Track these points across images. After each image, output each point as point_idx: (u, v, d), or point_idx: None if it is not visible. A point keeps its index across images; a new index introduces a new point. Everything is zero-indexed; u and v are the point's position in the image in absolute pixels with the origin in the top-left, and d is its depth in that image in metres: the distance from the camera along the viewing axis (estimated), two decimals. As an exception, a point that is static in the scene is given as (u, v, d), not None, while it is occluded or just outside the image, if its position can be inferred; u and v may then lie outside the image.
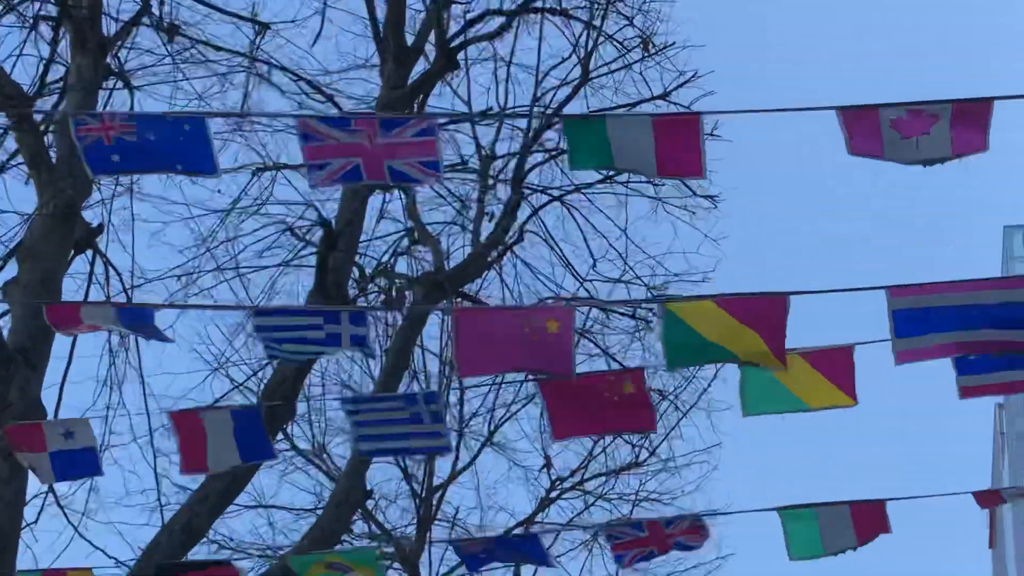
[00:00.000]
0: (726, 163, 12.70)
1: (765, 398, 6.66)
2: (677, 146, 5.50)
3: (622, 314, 13.37)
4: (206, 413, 7.12)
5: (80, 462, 7.33)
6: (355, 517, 14.34)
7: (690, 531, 7.90)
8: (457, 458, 15.16)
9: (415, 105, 11.97)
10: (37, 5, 11.47)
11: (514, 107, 12.39)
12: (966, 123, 5.35)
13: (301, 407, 14.22)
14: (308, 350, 6.68)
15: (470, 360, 6.48)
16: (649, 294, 13.22)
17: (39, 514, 11.08)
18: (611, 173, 12.83)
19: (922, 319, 5.88)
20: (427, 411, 6.90)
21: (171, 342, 7.29)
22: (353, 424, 6.98)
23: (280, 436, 13.98)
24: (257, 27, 12.25)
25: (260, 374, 12.24)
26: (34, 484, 11.65)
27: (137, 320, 6.62)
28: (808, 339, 6.52)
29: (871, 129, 5.35)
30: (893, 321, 5.90)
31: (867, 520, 7.47)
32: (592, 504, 15.51)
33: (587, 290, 13.14)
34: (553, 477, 15.41)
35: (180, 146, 5.60)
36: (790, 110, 5.49)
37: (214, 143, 5.70)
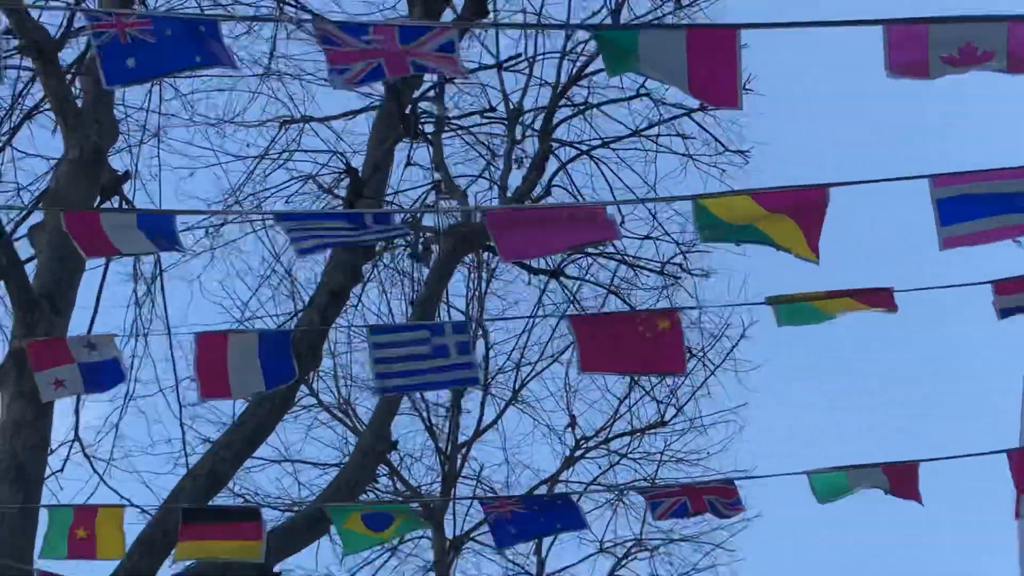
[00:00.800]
0: (759, 117, 12.58)
1: (801, 316, 6.59)
2: (711, 64, 5.35)
3: (650, 271, 13.26)
4: (233, 335, 7.03)
5: (106, 372, 7.28)
6: (379, 474, 14.36)
7: (722, 492, 7.78)
8: (482, 415, 15.13)
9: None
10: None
11: (544, 55, 12.21)
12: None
13: (326, 362, 14.27)
14: (337, 241, 6.59)
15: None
16: (678, 250, 13.10)
17: (65, 462, 11.10)
18: (641, 128, 12.74)
19: (967, 205, 5.76)
20: (454, 342, 6.78)
21: (183, 251, 7.16)
22: (376, 360, 6.85)
23: (304, 389, 14.01)
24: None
25: (286, 326, 12.18)
26: (59, 430, 11.67)
27: (155, 226, 6.50)
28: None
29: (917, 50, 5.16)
30: (937, 209, 5.79)
31: (899, 482, 7.36)
32: (617, 463, 15.45)
33: (615, 246, 13.02)
34: (578, 436, 15.37)
35: (197, 41, 5.50)
36: (831, 24, 5.25)
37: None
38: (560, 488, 15.04)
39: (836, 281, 6.62)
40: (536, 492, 14.61)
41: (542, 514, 8.05)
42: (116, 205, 11.03)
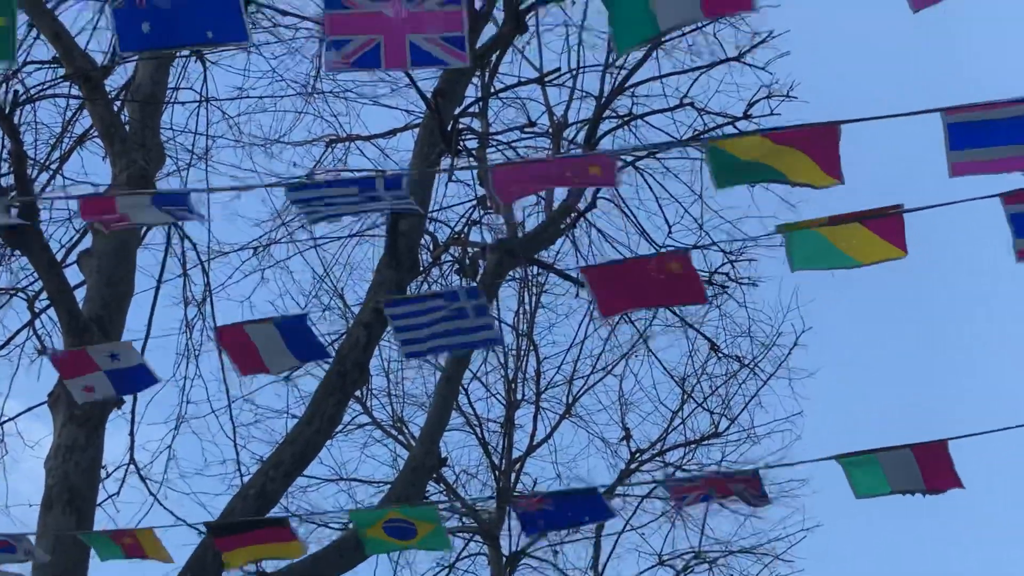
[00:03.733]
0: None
1: (813, 255, 6.48)
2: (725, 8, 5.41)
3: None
4: (251, 325, 7.11)
5: (134, 377, 7.44)
6: (434, 491, 14.38)
7: (749, 480, 7.70)
8: (535, 430, 15.11)
9: (485, 72, 11.91)
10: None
11: (584, 68, 12.22)
12: None
13: (379, 381, 14.34)
14: (347, 210, 6.63)
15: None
16: (726, 259, 13.05)
17: (121, 486, 11.24)
18: (687, 136, 12.69)
19: (978, 132, 5.67)
20: (471, 305, 6.81)
21: (205, 220, 7.27)
22: (398, 329, 6.88)
23: (358, 408, 14.07)
24: (327, -2, 12.21)
25: (335, 344, 12.24)
26: (114, 454, 11.80)
27: (172, 203, 6.60)
28: (861, 192, 6.34)
29: None
30: (948, 134, 5.71)
31: (934, 467, 7.22)
32: (672, 475, 15.36)
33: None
34: (632, 449, 15.30)
35: (212, 12, 5.54)
36: None
37: (246, 20, 5.63)
38: (616, 501, 14.97)
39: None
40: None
41: (568, 507, 8.03)
42: (165, 230, 11.17)
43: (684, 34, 12.53)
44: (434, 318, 6.81)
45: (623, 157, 12.84)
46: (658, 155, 12.72)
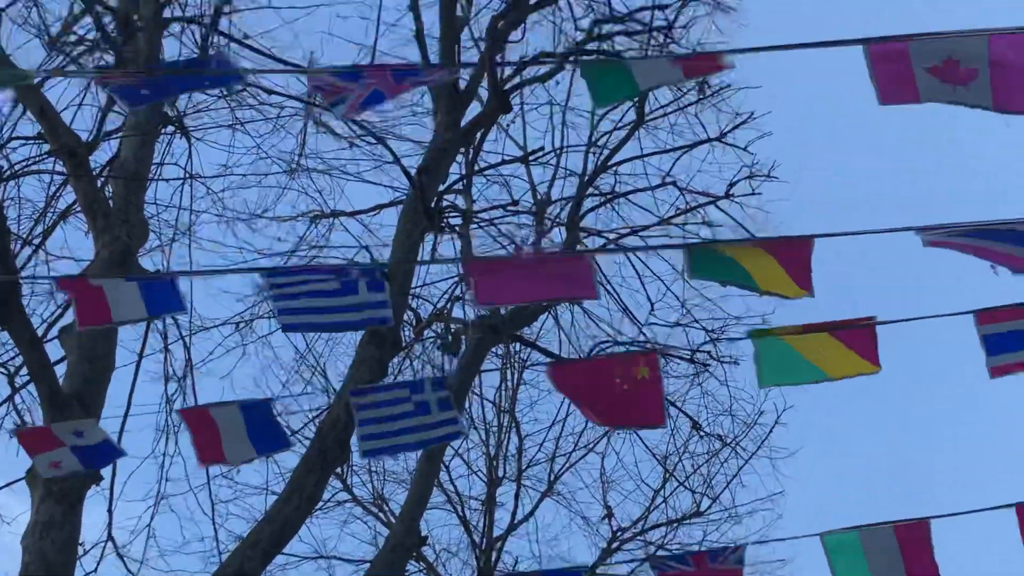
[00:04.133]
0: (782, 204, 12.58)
1: (783, 369, 6.45)
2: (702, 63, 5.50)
3: (680, 359, 13.22)
4: (215, 408, 7.08)
5: (100, 452, 7.42)
6: (414, 570, 14.28)
7: (734, 570, 7.67)
8: (516, 508, 15.02)
9: (470, 149, 11.99)
10: (95, 55, 11.59)
11: (567, 147, 12.32)
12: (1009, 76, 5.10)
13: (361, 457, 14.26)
14: (324, 321, 6.56)
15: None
16: (708, 338, 13.06)
17: (99, 563, 11.12)
18: (667, 216, 12.77)
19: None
20: (435, 399, 6.75)
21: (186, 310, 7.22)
22: (360, 423, 6.81)
23: (338, 484, 13.99)
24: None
25: (317, 421, 12.20)
26: (92, 531, 11.68)
27: (156, 293, 6.59)
28: (835, 303, 6.38)
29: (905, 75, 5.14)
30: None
31: (916, 553, 7.20)
32: (654, 555, 15.26)
33: (645, 335, 13.00)
34: (614, 527, 15.22)
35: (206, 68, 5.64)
36: (816, 45, 5.30)
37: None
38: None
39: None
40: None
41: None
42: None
43: (667, 114, 12.66)
44: (396, 413, 6.73)
45: (606, 235, 12.94)
46: (640, 234, 12.79)
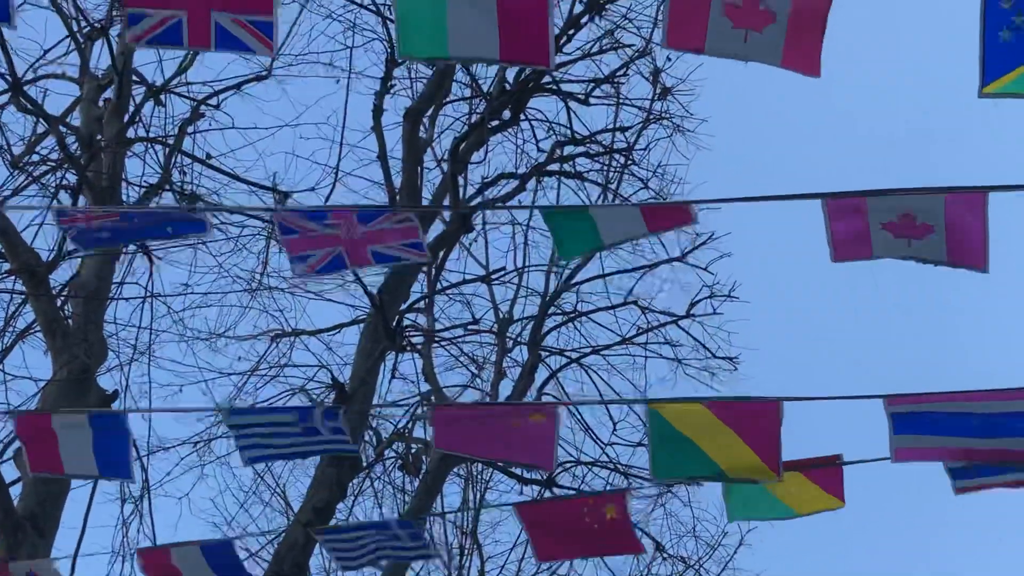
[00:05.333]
0: (744, 324, 12.68)
1: (751, 504, 6.47)
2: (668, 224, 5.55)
3: (643, 479, 13.15)
4: (175, 549, 6.97)
5: None
6: None
7: None
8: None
9: (431, 269, 12.03)
10: (58, 174, 11.63)
11: (529, 267, 12.39)
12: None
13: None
14: (286, 452, 6.51)
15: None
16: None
17: None
18: (629, 335, 12.80)
19: (920, 421, 5.76)
20: (406, 534, 6.71)
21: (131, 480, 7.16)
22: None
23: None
24: (277, 196, 12.38)
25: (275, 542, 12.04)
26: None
27: (111, 452, 6.52)
28: (800, 445, 6.39)
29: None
30: (892, 420, 5.79)
31: None
32: None
33: (608, 455, 12.96)
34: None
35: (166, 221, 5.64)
36: (778, 198, 5.37)
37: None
38: None
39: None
40: None
41: None
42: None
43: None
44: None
45: (568, 354, 12.95)
46: (602, 353, 12.82)
